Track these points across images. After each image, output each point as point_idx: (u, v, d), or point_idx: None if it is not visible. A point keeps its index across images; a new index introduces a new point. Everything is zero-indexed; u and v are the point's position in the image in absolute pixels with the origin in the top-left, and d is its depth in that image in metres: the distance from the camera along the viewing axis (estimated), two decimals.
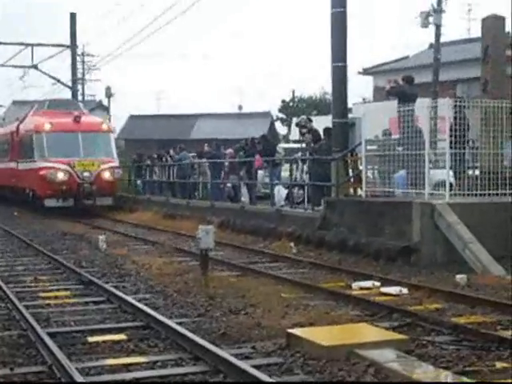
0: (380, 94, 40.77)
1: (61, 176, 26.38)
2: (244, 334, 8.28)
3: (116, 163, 28.57)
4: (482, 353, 7.50)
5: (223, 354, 7.17)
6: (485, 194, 13.99)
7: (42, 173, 26.83)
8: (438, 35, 33.52)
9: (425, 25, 33.70)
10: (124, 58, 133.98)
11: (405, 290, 10.51)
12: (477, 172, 14.97)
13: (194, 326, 8.66)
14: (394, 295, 10.37)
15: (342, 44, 17.00)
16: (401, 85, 15.90)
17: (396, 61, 43.50)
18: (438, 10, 33.55)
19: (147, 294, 10.76)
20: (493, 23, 16.12)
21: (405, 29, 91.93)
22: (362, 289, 10.90)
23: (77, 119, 28.05)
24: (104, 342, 8.05)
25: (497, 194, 14.12)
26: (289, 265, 13.62)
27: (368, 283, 11.08)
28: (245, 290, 10.63)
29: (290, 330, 7.96)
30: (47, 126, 27.59)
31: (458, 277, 11.21)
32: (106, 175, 27.22)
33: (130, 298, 10.02)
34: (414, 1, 54.48)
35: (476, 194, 13.95)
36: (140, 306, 9.48)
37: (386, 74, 40.70)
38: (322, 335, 7.73)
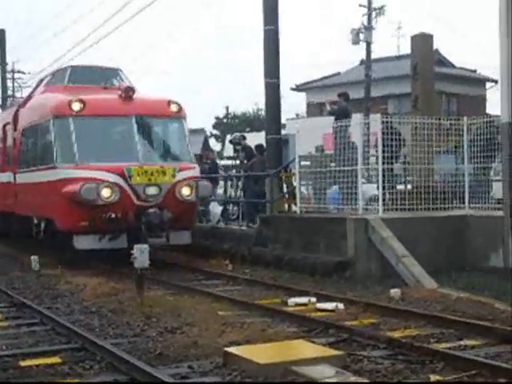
0: (313, 110, 41.26)
1: (106, 194, 14.80)
2: (181, 353, 8.21)
3: (197, 170, 16.73)
4: (416, 366, 7.60)
5: (159, 374, 7.10)
6: (417, 209, 14.24)
7: (68, 189, 15.03)
8: (368, 52, 34.16)
9: (356, 42, 34.30)
10: None
11: (340, 306, 10.59)
12: (409, 187, 15.24)
13: (130, 347, 8.55)
14: (330, 311, 10.45)
15: (274, 60, 17.16)
16: (341, 102, 16.11)
17: (328, 77, 44.08)
18: (369, 28, 34.18)
19: (82, 315, 10.60)
20: (421, 41, 16.49)
21: (337, 45, 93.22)
22: (297, 305, 10.94)
23: (127, 95, 16.10)
24: (37, 365, 7.87)
25: (428, 209, 14.39)
26: (224, 282, 13.61)
27: (304, 299, 11.13)
28: (181, 309, 10.55)
29: (226, 349, 7.93)
30: (77, 106, 15.66)
31: (393, 291, 11.35)
32: (185, 192, 15.57)
33: (63, 320, 9.85)
34: (348, 18, 55.39)
35: (408, 209, 14.18)
36: (74, 327, 9.32)
37: (318, 90, 41.21)
38: (259, 353, 7.72)
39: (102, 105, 16.19)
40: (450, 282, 12.39)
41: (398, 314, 9.94)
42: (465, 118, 15.45)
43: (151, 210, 14.96)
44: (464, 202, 14.98)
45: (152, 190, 15.15)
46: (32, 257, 15.74)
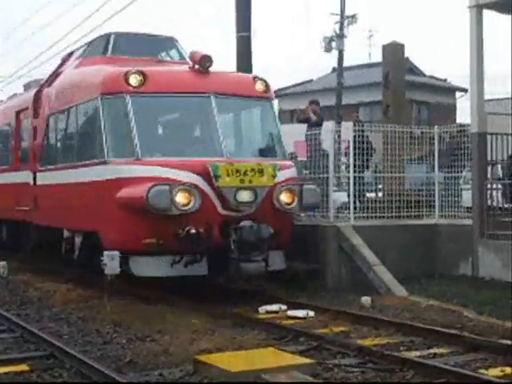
0: (285, 117, 41.32)
1: (182, 201, 10.98)
2: (151, 361, 8.18)
3: (294, 169, 12.79)
4: (386, 375, 7.63)
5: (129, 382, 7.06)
6: (388, 217, 14.32)
7: (125, 192, 11.37)
8: (340, 59, 34.30)
9: (328, 49, 34.45)
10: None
11: (311, 313, 10.61)
12: (380, 195, 15.33)
13: (100, 354, 8.50)
14: (301, 318, 10.45)
15: (247, 66, 17.10)
16: (316, 110, 16.11)
17: (299, 84, 44.20)
18: (341, 36, 34.33)
19: (51, 322, 10.51)
20: (392, 50, 16.61)
21: (310, 53, 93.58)
22: (268, 313, 10.93)
23: (204, 67, 12.18)
24: (5, 373, 7.79)
25: (399, 217, 14.47)
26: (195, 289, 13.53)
27: (275, 307, 11.13)
28: (151, 316, 10.51)
29: (197, 357, 7.92)
30: (136, 80, 11.83)
31: (363, 299, 11.40)
32: (286, 200, 11.76)
33: (32, 327, 9.75)
34: (320, 25, 55.73)
35: (379, 217, 14.26)
36: (43, 334, 9.24)
37: (290, 97, 41.29)
38: (229, 361, 7.70)
39: (169, 79, 12.40)
40: (420, 290, 12.47)
41: (369, 322, 9.98)
42: (435, 127, 15.57)
43: (245, 224, 10.97)
44: (434, 211, 15.08)
45: (245, 196, 11.16)
46: (0, 262, 15.57)
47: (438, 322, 9.94)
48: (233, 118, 13.22)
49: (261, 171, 11.27)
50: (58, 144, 14.78)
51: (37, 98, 15.90)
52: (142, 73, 11.86)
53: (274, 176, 11.38)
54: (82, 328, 10.01)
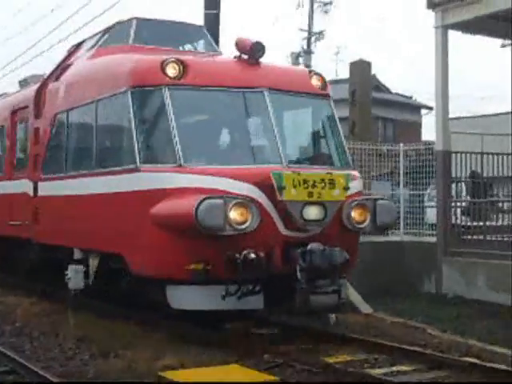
0: None
1: (239, 218, 8.99)
2: (114, 377, 8.10)
3: (361, 182, 11.09)
4: None
5: None
6: None
7: (164, 207, 9.43)
8: None
9: (295, 65, 34.64)
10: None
11: (276, 330, 10.58)
12: None
13: (62, 371, 8.41)
14: (265, 335, 10.41)
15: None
16: None
17: None
18: (308, 52, 34.57)
19: (13, 337, 10.37)
20: (359, 67, 16.79)
21: None
22: (234, 329, 10.87)
23: (254, 56, 10.40)
24: None
25: (364, 234, 14.51)
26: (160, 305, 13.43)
27: (240, 323, 11.07)
28: (115, 332, 10.42)
29: (161, 373, 7.87)
30: (174, 70, 9.98)
31: (329, 316, 11.38)
32: (358, 217, 9.86)
33: None
34: (288, 41, 56.03)
35: None
36: (4, 349, 9.12)
37: None
38: (194, 378, 7.70)
39: (213, 70, 10.59)
40: (385, 307, 12.54)
41: (334, 339, 9.99)
42: (401, 145, 15.72)
43: (315, 247, 9.08)
44: (399, 228, 15.20)
45: (313, 213, 9.30)
46: None
47: (402, 339, 9.99)
48: (289, 118, 10.95)
49: (332, 182, 9.33)
50: (70, 148, 12.29)
51: (39, 94, 13.63)
52: (181, 62, 9.94)
53: (347, 188, 9.47)
54: (45, 343, 9.91)
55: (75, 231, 11.62)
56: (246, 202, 8.93)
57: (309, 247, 9.06)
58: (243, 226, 8.91)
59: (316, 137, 11.12)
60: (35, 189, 13.25)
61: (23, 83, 16.49)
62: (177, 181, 9.39)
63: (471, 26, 14.97)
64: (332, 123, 10.93)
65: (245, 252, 8.91)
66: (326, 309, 9.62)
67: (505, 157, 15.70)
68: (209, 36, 13.15)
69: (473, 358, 8.88)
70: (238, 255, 8.93)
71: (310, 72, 11.29)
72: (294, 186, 9.09)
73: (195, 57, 11.36)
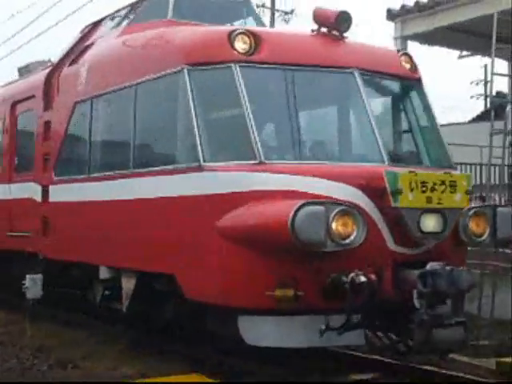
0: None
1: (342, 230, 7.05)
2: None
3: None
4: None
5: None
6: None
7: (240, 217, 7.43)
8: None
9: None
10: None
11: None
12: None
13: (19, 382, 8.32)
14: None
15: None
16: None
17: None
18: None
19: None
20: None
21: None
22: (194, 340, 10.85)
23: (337, 31, 8.53)
24: None
25: None
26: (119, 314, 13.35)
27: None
28: (74, 342, 10.35)
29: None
30: (245, 44, 8.03)
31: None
32: (478, 229, 7.92)
33: None
34: None
35: None
36: None
37: None
38: None
39: (292, 45, 8.54)
40: None
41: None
42: None
43: (437, 267, 7.22)
44: None
45: (432, 224, 7.51)
46: None
47: None
48: (380, 106, 9.10)
49: (453, 185, 7.54)
50: (95, 143, 10.26)
51: (49, 81, 11.72)
52: (253, 34, 8.13)
53: (469, 193, 7.67)
54: (1, 354, 9.77)
55: (102, 245, 9.67)
56: (350, 210, 7.09)
57: (429, 267, 7.17)
58: (348, 241, 7.07)
59: (411, 129, 9.04)
60: (44, 193, 11.32)
61: (24, 71, 14.28)
62: (259, 182, 7.45)
63: (429, 38, 15.17)
64: (428, 113, 9.05)
65: (352, 274, 7.09)
66: (452, 346, 7.60)
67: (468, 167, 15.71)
68: (256, 12, 11.35)
69: None
70: (344, 278, 7.15)
71: (398, 51, 9.50)
72: (411, 190, 7.29)
73: (267, 29, 9.22)
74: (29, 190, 11.83)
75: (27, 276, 11.02)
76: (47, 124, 11.51)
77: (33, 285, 10.93)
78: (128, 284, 9.20)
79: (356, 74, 8.26)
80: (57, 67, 11.83)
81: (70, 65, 11.31)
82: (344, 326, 7.21)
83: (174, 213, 8.25)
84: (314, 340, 7.33)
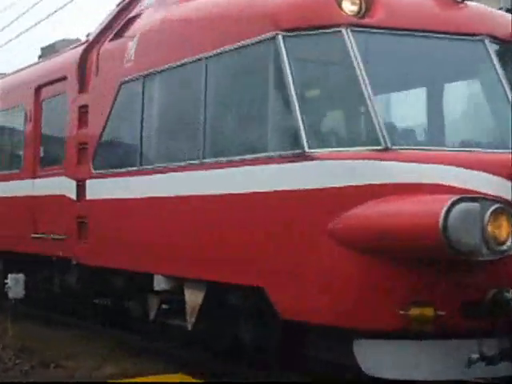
0: None
1: (500, 233, 5.63)
2: None
3: None
4: None
5: None
6: None
7: (367, 220, 6.03)
8: None
9: None
10: None
11: None
12: None
13: (1, 382, 8.26)
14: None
15: None
16: None
17: None
18: None
19: None
20: None
21: None
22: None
23: None
24: None
25: None
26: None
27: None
28: (57, 341, 10.31)
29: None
30: (352, 6, 6.60)
31: None
32: None
33: None
34: None
35: None
36: None
37: None
38: None
39: (408, 7, 7.08)
40: None
41: None
42: None
43: None
44: None
45: None
46: None
47: None
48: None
49: None
50: (150, 129, 8.79)
51: (85, 60, 10.30)
52: None
53: None
54: None
55: (159, 250, 8.29)
56: (506, 209, 5.76)
57: None
58: (505, 247, 5.73)
59: None
60: (80, 190, 9.90)
61: (48, 50, 12.68)
62: (386, 173, 6.10)
63: None
64: None
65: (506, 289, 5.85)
66: None
67: None
68: None
69: None
70: (507, 294, 5.87)
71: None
72: None
73: None
74: (59, 186, 10.43)
75: (9, 275, 10.97)
76: (83, 109, 10.08)
77: (15, 284, 10.87)
78: (194, 297, 7.82)
79: (486, 42, 6.94)
80: (94, 43, 10.37)
81: (113, 39, 9.88)
82: (503, 354, 5.93)
83: (265, 212, 6.78)
84: (457, 371, 6.05)
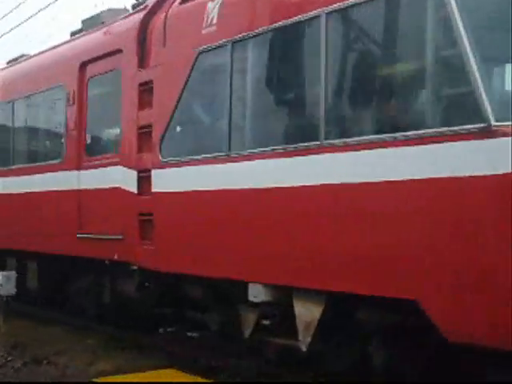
0: None
1: None
2: None
3: None
4: None
5: None
6: None
7: None
8: None
9: None
10: None
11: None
12: None
13: None
14: (198, 339, 10.38)
15: None
16: None
17: None
18: None
19: None
20: None
21: None
22: (168, 333, 10.82)
23: None
24: None
25: None
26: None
27: (174, 327, 11.01)
28: (49, 338, 10.30)
29: (95, 379, 7.81)
30: None
31: None
32: None
33: None
34: None
35: None
36: None
37: None
38: (129, 383, 7.62)
39: None
40: None
41: None
42: None
43: None
44: None
45: None
46: None
47: None
48: None
49: None
50: (242, 107, 7.29)
51: (146, 29, 8.95)
52: None
53: None
54: None
55: (257, 254, 6.88)
56: None
57: None
58: None
59: None
60: (142, 181, 8.51)
61: (91, 22, 11.10)
62: None
63: None
64: None
65: None
66: None
67: None
68: None
69: None
70: None
71: None
72: None
73: None
74: (112, 178, 9.08)
75: (1, 272, 10.96)
76: (145, 86, 8.63)
77: (6, 281, 10.86)
78: (308, 311, 6.50)
79: None
80: (155, 9, 8.99)
81: (183, 2, 8.42)
82: None
83: (424, 204, 5.39)
84: None
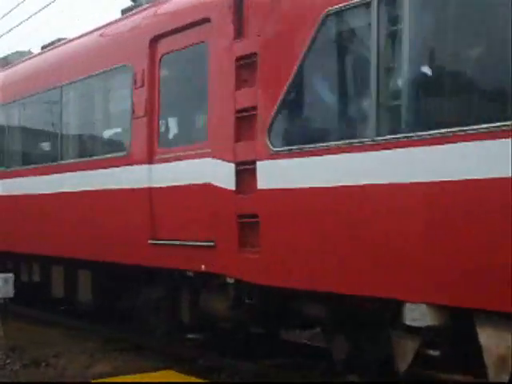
0: None
1: None
2: None
3: None
4: None
5: None
6: None
7: None
8: None
9: None
10: None
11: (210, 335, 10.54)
12: None
13: None
14: (199, 340, 10.39)
15: None
16: None
17: None
18: None
19: None
20: None
21: None
22: (167, 334, 10.82)
23: None
24: None
25: None
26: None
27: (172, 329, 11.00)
28: (47, 340, 10.31)
29: (94, 381, 7.81)
30: None
31: None
32: None
33: None
34: None
35: None
36: None
37: None
38: None
39: None
40: None
41: None
42: None
43: None
44: None
45: None
46: None
47: None
48: None
49: None
50: (393, 80, 5.82)
51: None
52: None
53: None
54: None
55: (417, 267, 5.43)
56: None
57: None
58: None
59: None
60: (243, 176, 7.03)
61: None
62: None
63: None
64: None
65: None
66: None
67: None
68: None
69: None
70: None
71: None
72: None
73: None
74: (199, 172, 7.61)
75: None
76: (245, 60, 7.13)
77: (5, 284, 10.86)
78: (501, 340, 5.02)
79: None
80: None
81: None
82: None
83: None
84: None
